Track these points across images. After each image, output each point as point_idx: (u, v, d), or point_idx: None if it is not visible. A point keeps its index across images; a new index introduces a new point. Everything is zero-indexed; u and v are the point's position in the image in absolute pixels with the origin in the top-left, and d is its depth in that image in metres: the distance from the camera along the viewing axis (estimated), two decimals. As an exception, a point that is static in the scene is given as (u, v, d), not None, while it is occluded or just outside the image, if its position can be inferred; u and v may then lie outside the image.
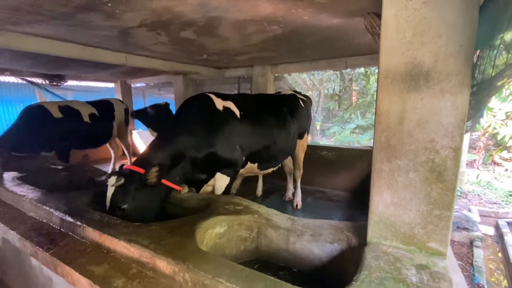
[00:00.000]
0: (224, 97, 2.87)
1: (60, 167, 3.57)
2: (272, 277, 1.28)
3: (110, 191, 1.99)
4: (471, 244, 4.01)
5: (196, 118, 2.63)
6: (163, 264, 1.30)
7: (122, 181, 1.98)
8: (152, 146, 2.35)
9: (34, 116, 4.47)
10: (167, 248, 1.38)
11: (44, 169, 3.54)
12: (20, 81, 7.56)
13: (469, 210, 5.03)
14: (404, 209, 1.36)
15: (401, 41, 1.25)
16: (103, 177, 2.26)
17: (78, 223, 1.71)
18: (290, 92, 3.96)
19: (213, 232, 1.84)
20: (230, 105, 2.84)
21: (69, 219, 1.78)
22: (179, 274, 1.24)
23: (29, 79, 6.53)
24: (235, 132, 2.75)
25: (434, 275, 1.19)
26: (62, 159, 4.77)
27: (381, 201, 1.41)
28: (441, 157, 1.24)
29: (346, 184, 4.88)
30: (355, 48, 3.85)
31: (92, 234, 1.62)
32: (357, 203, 4.38)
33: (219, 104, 2.76)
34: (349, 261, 1.65)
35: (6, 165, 3.55)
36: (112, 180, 2.00)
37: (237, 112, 2.85)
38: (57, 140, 4.65)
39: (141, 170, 2.07)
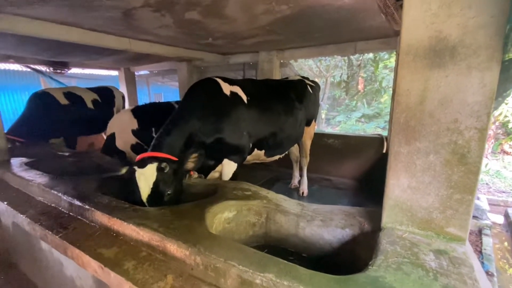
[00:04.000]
0: (231, 81, 2.79)
1: (66, 154, 3.57)
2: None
3: (147, 180, 1.87)
4: (479, 232, 3.96)
5: (203, 103, 2.57)
6: (174, 247, 1.28)
7: (167, 168, 1.93)
8: (167, 132, 2.29)
9: (42, 103, 4.50)
10: (177, 232, 1.35)
11: (51, 155, 3.54)
12: (24, 69, 7.53)
13: (478, 199, 4.97)
14: (422, 193, 1.31)
15: (426, 13, 1.16)
16: (123, 170, 2.06)
17: (87, 206, 1.70)
18: (298, 77, 3.86)
19: (222, 216, 1.82)
20: (237, 90, 2.77)
21: (78, 203, 1.77)
22: (190, 257, 1.22)
23: (32, 66, 6.49)
24: (242, 118, 2.69)
25: (454, 261, 1.15)
26: (70, 146, 4.83)
27: (397, 185, 1.36)
28: (465, 139, 1.18)
29: (353, 172, 4.82)
30: (365, 32, 3.70)
31: (101, 218, 1.61)
32: (363, 191, 4.33)
33: (226, 88, 2.69)
34: (361, 247, 1.62)
35: (16, 152, 3.58)
36: (151, 168, 1.89)
37: (244, 97, 2.77)
38: (65, 126, 4.69)
39: (172, 157, 2.05)
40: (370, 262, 1.16)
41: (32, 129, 4.23)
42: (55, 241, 1.58)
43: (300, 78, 3.83)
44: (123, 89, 7.49)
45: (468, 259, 1.15)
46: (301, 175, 4.28)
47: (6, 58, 5.70)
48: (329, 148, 5.06)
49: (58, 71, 6.63)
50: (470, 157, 1.18)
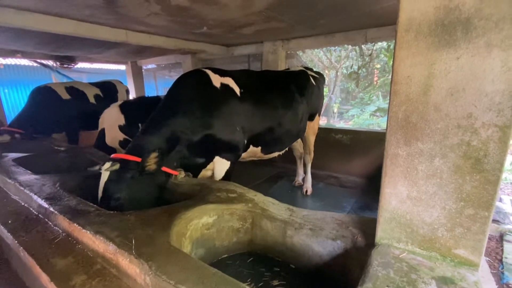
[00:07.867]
0: (222, 73, 2.59)
1: (62, 149, 3.52)
2: (266, 274, 1.05)
3: (102, 180, 1.80)
4: (501, 238, 3.58)
5: (191, 97, 2.39)
6: (125, 262, 1.11)
7: (117, 166, 1.79)
8: (145, 131, 2.14)
9: (43, 97, 4.51)
10: (134, 243, 1.18)
11: (46, 150, 3.50)
12: (36, 64, 7.64)
13: (501, 200, 4.54)
14: (425, 206, 1.06)
15: (432, -24, 0.90)
16: (97, 167, 2.00)
17: (51, 209, 1.57)
18: (300, 68, 3.58)
19: (199, 222, 1.64)
20: (229, 81, 2.55)
21: (44, 204, 1.64)
22: (141, 275, 1.05)
23: (39, 61, 6.54)
24: (234, 111, 2.49)
25: (462, 294, 0.91)
26: (72, 140, 4.82)
27: (394, 195, 1.11)
28: (481, 139, 0.91)
29: (362, 169, 4.54)
30: (376, 17, 3.36)
31: (63, 222, 1.47)
32: (373, 190, 4.04)
33: (216, 80, 2.49)
34: (354, 262, 1.40)
35: (13, 146, 3.57)
36: (104, 168, 1.82)
37: (237, 90, 2.56)
38: (67, 121, 4.69)
39: (136, 158, 1.88)
40: (353, 291, 0.94)
41: (33, 124, 4.24)
42: (15, 245, 1.46)
43: (302, 69, 3.55)
44: (130, 83, 7.46)
45: (480, 293, 0.90)
46: (305, 172, 4.06)
47: (13, 53, 5.76)
48: (337, 144, 4.79)
49: (65, 65, 6.66)
50: (488, 163, 0.92)
